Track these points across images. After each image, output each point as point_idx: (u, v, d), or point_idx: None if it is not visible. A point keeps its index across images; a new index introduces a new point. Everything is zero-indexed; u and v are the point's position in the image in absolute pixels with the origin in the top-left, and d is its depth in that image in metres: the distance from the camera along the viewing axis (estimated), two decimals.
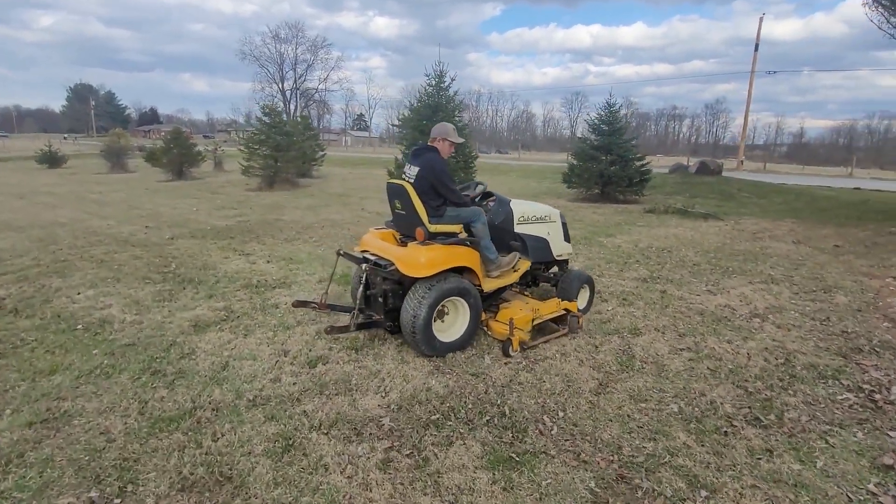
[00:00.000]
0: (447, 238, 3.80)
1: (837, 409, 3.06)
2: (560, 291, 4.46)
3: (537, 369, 3.52)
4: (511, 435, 2.75)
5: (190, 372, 3.49)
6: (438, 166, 3.76)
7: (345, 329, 3.67)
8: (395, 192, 3.84)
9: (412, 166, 3.83)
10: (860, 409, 3.04)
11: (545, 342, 3.93)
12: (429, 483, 2.38)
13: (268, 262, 6.74)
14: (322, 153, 20.83)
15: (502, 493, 2.32)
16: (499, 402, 3.08)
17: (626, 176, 12.95)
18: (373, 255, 3.90)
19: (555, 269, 4.87)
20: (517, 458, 2.56)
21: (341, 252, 4.18)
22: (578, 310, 4.30)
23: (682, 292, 5.32)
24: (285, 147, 16.14)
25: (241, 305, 4.92)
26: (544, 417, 2.92)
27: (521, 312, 3.89)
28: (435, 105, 12.40)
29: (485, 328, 4.04)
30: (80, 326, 4.40)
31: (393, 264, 3.62)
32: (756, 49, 28.35)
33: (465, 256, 3.76)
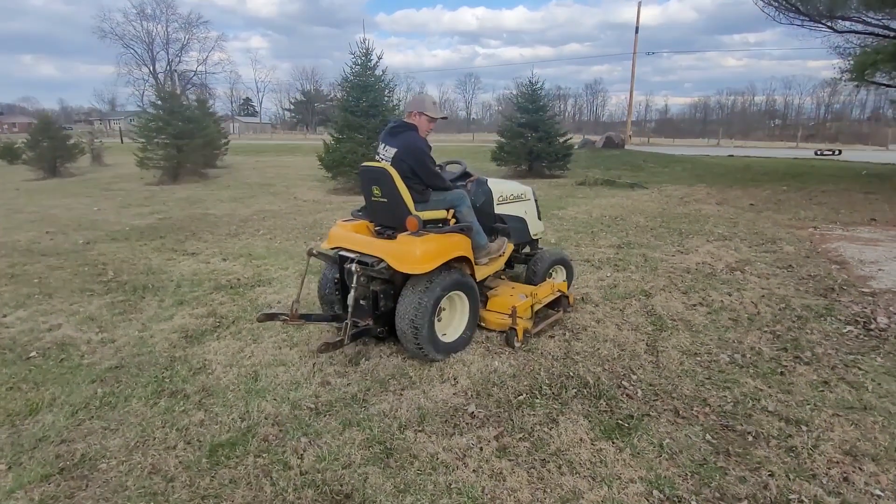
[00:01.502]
0: (438, 226, 3.38)
1: (849, 340, 3.49)
2: (533, 272, 4.16)
3: (584, 338, 3.56)
4: (605, 403, 2.76)
5: (217, 388, 3.02)
6: (418, 146, 3.31)
7: (339, 344, 3.02)
8: (373, 178, 3.30)
9: (387, 147, 3.36)
10: (866, 339, 3.49)
11: (548, 327, 3.71)
12: (559, 463, 2.31)
13: (224, 259, 6.06)
14: (226, 140, 19.07)
15: (633, 459, 2.32)
16: (570, 373, 3.07)
17: (552, 151, 13.53)
18: (351, 251, 3.31)
19: (527, 248, 4.52)
20: (626, 424, 2.57)
21: (314, 252, 3.49)
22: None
23: (659, 254, 5.70)
24: (188, 134, 14.50)
25: (227, 310, 4.35)
26: (623, 383, 2.97)
27: (518, 300, 3.56)
28: (363, 85, 11.87)
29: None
30: (33, 354, 3.61)
31: (382, 261, 3.11)
32: (636, 32, 30.96)
33: (461, 245, 3.34)
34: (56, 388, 3.11)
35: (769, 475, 2.19)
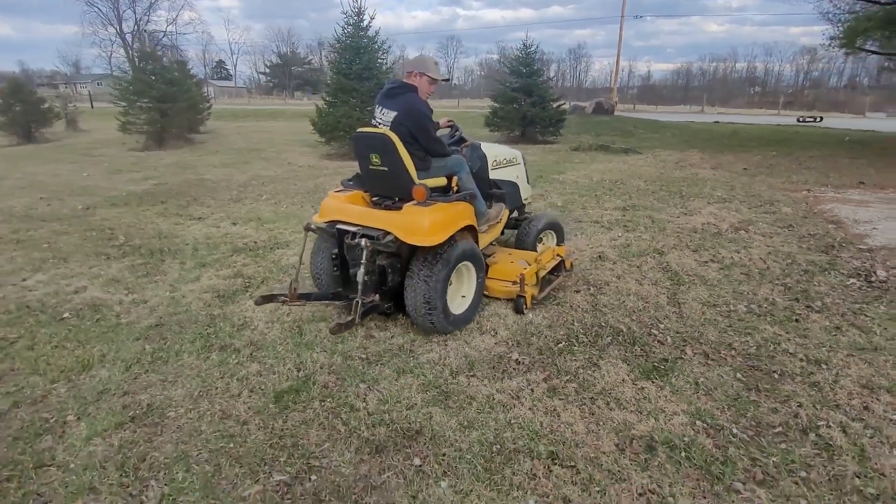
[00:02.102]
0: (443, 195, 3.23)
1: (853, 291, 3.74)
2: (524, 236, 4.09)
3: (608, 292, 3.74)
4: (639, 349, 2.95)
5: (264, 343, 3.11)
6: (419, 109, 3.11)
7: (351, 324, 2.84)
8: (371, 144, 3.10)
9: (385, 109, 3.17)
10: (868, 290, 3.75)
11: (553, 291, 3.73)
12: (606, 400, 2.49)
13: (234, 224, 6.04)
14: (208, 104, 18.47)
15: (673, 396, 2.52)
16: (602, 324, 3.25)
17: (546, 116, 13.52)
18: (351, 225, 3.12)
19: (515, 213, 4.39)
20: (661, 367, 2.76)
21: (311, 226, 3.29)
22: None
23: (664, 216, 5.89)
24: (171, 98, 14.01)
25: (252, 271, 4.40)
26: (652, 331, 3.16)
27: (519, 266, 3.55)
28: (356, 47, 11.58)
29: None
30: (66, 315, 3.63)
31: (388, 234, 2.96)
32: None
33: (467, 214, 3.23)
34: (102, 345, 3.16)
35: (798, 406, 2.42)
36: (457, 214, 3.13)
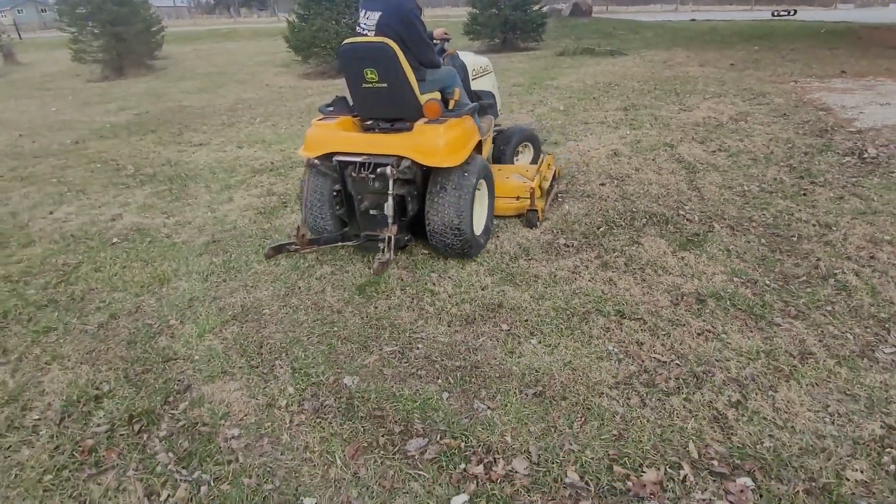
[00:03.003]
0: (451, 111, 2.94)
1: (849, 167, 4.10)
2: (502, 150, 3.91)
3: (631, 183, 4.01)
4: (672, 227, 3.27)
5: (325, 249, 3.30)
6: (409, 6, 2.74)
7: (387, 263, 2.74)
8: (365, 57, 2.69)
9: (368, 13, 2.78)
10: (862, 165, 4.12)
11: (553, 202, 3.75)
12: (654, 269, 2.83)
13: (240, 147, 5.98)
14: (161, 26, 17.00)
15: (710, 261, 2.87)
16: (634, 209, 3.54)
17: (528, 20, 13.06)
18: (353, 155, 2.79)
19: None
20: (695, 240, 3.10)
21: (314, 162, 2.91)
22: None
23: (665, 113, 6.08)
24: (124, 20, 12.88)
25: (283, 188, 4.48)
26: (679, 212, 3.48)
27: (516, 181, 3.49)
28: None
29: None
30: (115, 240, 3.72)
31: (402, 159, 2.70)
32: None
33: (475, 129, 3.01)
34: (168, 263, 3.30)
35: (817, 259, 2.81)
36: (471, 131, 2.91)
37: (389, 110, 2.89)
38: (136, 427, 2.04)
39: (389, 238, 2.72)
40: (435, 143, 2.67)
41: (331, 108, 3.10)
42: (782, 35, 14.02)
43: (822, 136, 4.87)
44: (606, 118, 5.97)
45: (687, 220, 3.36)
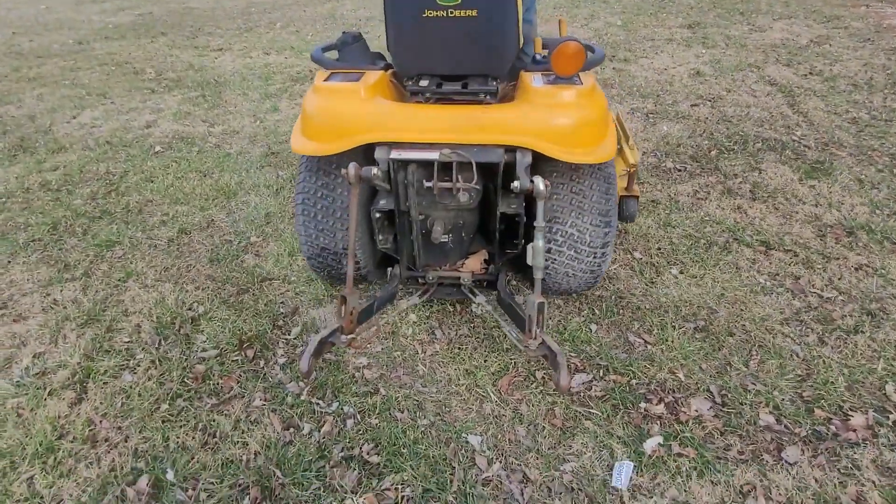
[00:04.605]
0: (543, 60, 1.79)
1: None
2: None
3: (726, 105, 3.62)
4: (790, 153, 2.95)
5: None
6: None
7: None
8: None
9: None
10: None
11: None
12: (785, 197, 2.55)
13: (267, 54, 5.39)
14: None
15: (844, 191, 2.59)
16: (741, 132, 3.20)
17: None
18: (420, 149, 1.56)
19: None
20: (820, 168, 2.80)
21: (368, 173, 1.51)
22: None
23: (736, 32, 5.53)
24: None
25: None
26: (792, 138, 3.14)
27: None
28: None
29: None
30: (158, 148, 3.33)
31: (517, 151, 1.55)
32: None
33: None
34: (229, 175, 2.95)
35: None
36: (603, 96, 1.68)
37: (473, 59, 1.63)
38: (249, 353, 1.81)
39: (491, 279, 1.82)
40: (578, 120, 1.54)
41: (326, 55, 1.82)
42: None
43: None
44: (673, 35, 5.43)
45: (804, 146, 3.04)
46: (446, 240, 1.72)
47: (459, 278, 1.85)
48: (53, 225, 2.56)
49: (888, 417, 1.52)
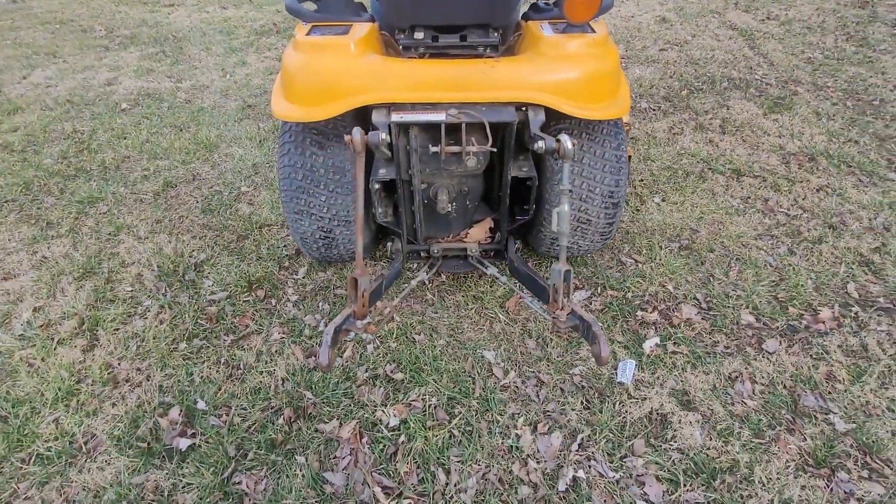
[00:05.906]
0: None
1: None
2: None
3: (693, 49, 3.75)
4: (754, 90, 3.12)
5: None
6: None
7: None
8: None
9: None
10: None
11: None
12: (752, 130, 2.72)
13: (224, 8, 5.13)
14: None
15: (804, 123, 2.78)
16: (707, 74, 3.34)
17: None
18: (425, 110, 1.40)
19: None
20: (781, 103, 2.98)
21: (374, 139, 1.31)
22: None
23: None
24: None
25: None
26: (754, 77, 3.31)
27: None
28: None
29: None
30: (125, 105, 3.19)
31: (530, 108, 1.43)
32: None
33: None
34: (206, 129, 2.88)
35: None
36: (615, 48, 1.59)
37: (473, 6, 1.44)
38: (259, 294, 1.84)
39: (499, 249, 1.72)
40: (595, 72, 1.42)
41: (315, 8, 1.60)
42: None
43: (864, 8, 4.69)
44: None
45: (766, 84, 3.21)
46: (450, 209, 1.60)
47: (465, 249, 1.72)
48: (25, 185, 2.46)
49: (850, 310, 1.72)
